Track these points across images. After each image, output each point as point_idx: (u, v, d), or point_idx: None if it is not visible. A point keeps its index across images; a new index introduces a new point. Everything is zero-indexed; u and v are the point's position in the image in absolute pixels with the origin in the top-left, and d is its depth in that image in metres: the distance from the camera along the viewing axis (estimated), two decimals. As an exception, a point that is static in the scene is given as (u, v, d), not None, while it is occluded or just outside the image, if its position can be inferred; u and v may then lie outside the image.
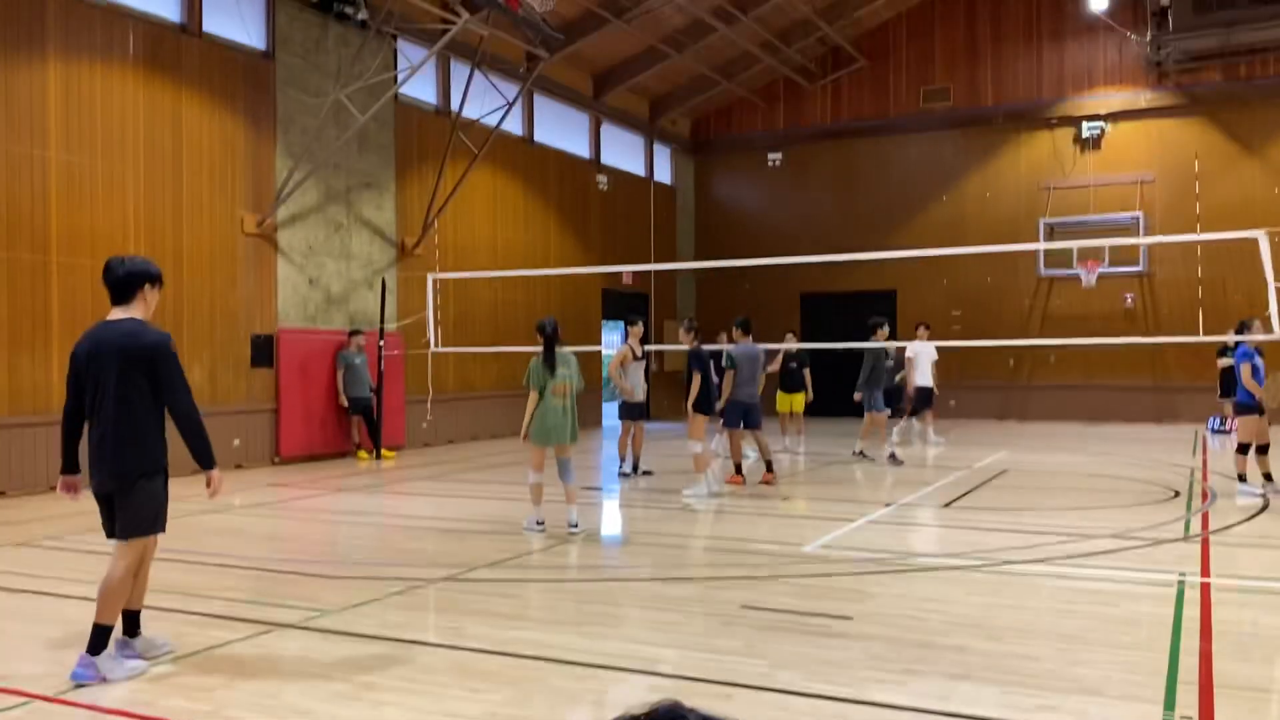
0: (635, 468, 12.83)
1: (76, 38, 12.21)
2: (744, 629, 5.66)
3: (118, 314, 5.12)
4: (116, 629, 5.05)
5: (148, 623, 5.42)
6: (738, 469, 12.23)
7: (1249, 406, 10.53)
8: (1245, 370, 10.42)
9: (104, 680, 4.82)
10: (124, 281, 5.12)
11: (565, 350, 8.84)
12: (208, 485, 5.14)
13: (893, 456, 13.97)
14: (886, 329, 14.36)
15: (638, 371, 12.73)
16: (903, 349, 16.78)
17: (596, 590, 6.86)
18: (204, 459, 5.08)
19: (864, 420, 14.56)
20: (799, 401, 15.71)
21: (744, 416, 11.85)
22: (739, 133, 25.92)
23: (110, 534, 5.15)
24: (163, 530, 5.21)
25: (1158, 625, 5.69)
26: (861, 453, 14.37)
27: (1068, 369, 21.99)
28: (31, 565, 7.64)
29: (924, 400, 16.45)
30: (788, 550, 7.96)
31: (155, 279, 5.21)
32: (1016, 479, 12.59)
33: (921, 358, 16.35)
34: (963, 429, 20.27)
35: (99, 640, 4.90)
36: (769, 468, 11.82)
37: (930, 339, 16.70)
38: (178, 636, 5.58)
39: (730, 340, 16.04)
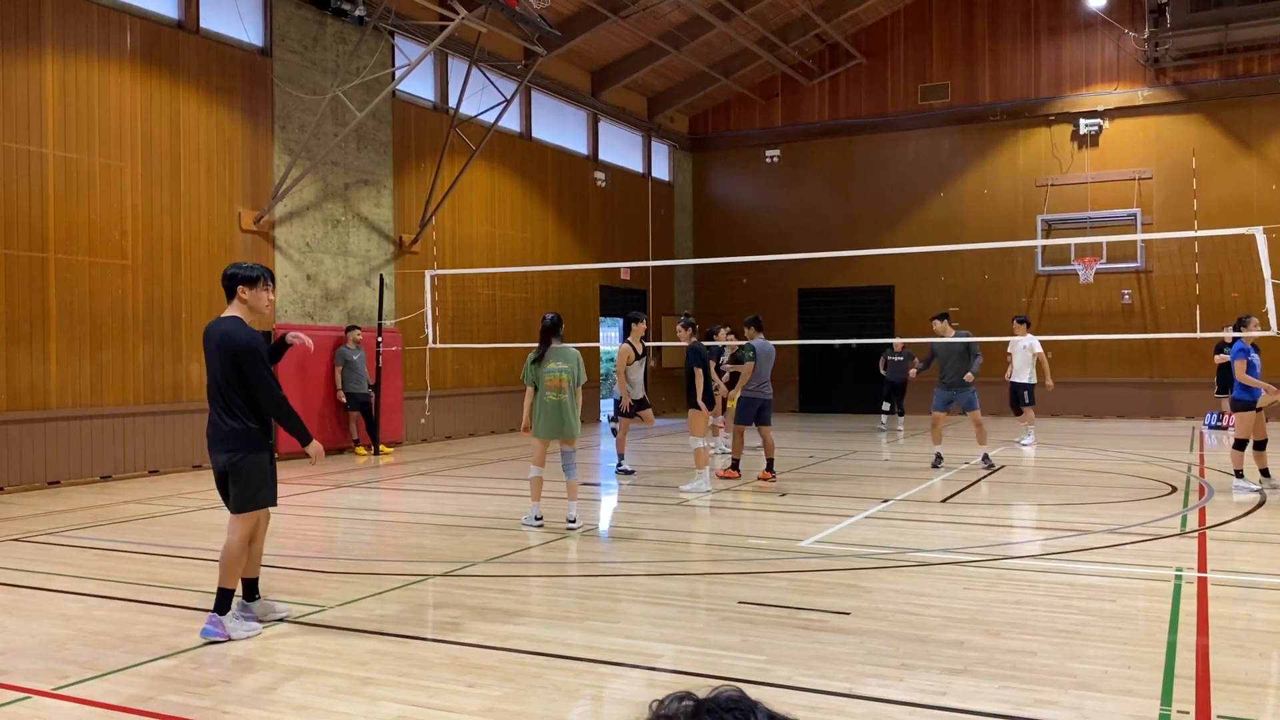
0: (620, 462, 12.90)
1: (74, 34, 12.20)
2: (741, 624, 5.67)
3: (225, 311, 5.73)
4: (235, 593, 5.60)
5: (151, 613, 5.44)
6: (735, 464, 12.24)
7: (1246, 402, 10.55)
8: (1240, 366, 10.44)
9: (229, 638, 5.39)
10: (224, 285, 5.76)
11: (566, 346, 8.83)
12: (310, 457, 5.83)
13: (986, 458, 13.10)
14: (942, 321, 13.31)
15: (638, 370, 12.68)
16: (905, 344, 16.63)
17: (594, 586, 6.87)
18: (299, 438, 5.69)
19: (974, 424, 13.28)
20: None
21: (758, 413, 11.90)
22: (737, 130, 25.91)
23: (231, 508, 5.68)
24: (273, 504, 5.73)
25: (1154, 620, 5.71)
26: (985, 457, 13.06)
27: (1065, 365, 21.98)
28: (29, 561, 7.63)
29: (1017, 397, 16.24)
30: (785, 545, 7.97)
31: (248, 280, 5.70)
32: (1014, 474, 12.60)
33: (1017, 353, 16.09)
34: (960, 425, 20.30)
35: (222, 602, 5.50)
36: (769, 466, 11.83)
37: (1028, 333, 16.21)
38: (176, 632, 5.59)
39: (700, 338, 15.64)
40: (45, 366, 11.81)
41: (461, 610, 6.07)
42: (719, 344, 14.52)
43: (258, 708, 4.43)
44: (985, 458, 13.09)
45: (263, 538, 5.83)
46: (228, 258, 13.98)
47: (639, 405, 12.63)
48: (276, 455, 15.06)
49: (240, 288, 5.64)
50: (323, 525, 9.60)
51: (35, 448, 11.68)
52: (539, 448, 8.87)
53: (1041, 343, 16.48)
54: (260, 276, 5.70)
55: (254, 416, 5.57)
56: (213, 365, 5.54)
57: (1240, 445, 10.78)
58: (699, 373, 11.31)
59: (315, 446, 5.73)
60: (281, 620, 5.77)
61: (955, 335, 13.26)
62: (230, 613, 5.50)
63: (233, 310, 5.66)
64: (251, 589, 5.76)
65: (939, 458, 13.11)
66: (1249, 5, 20.12)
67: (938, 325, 13.38)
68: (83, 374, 12.21)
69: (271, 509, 5.77)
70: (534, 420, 8.76)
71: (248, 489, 5.55)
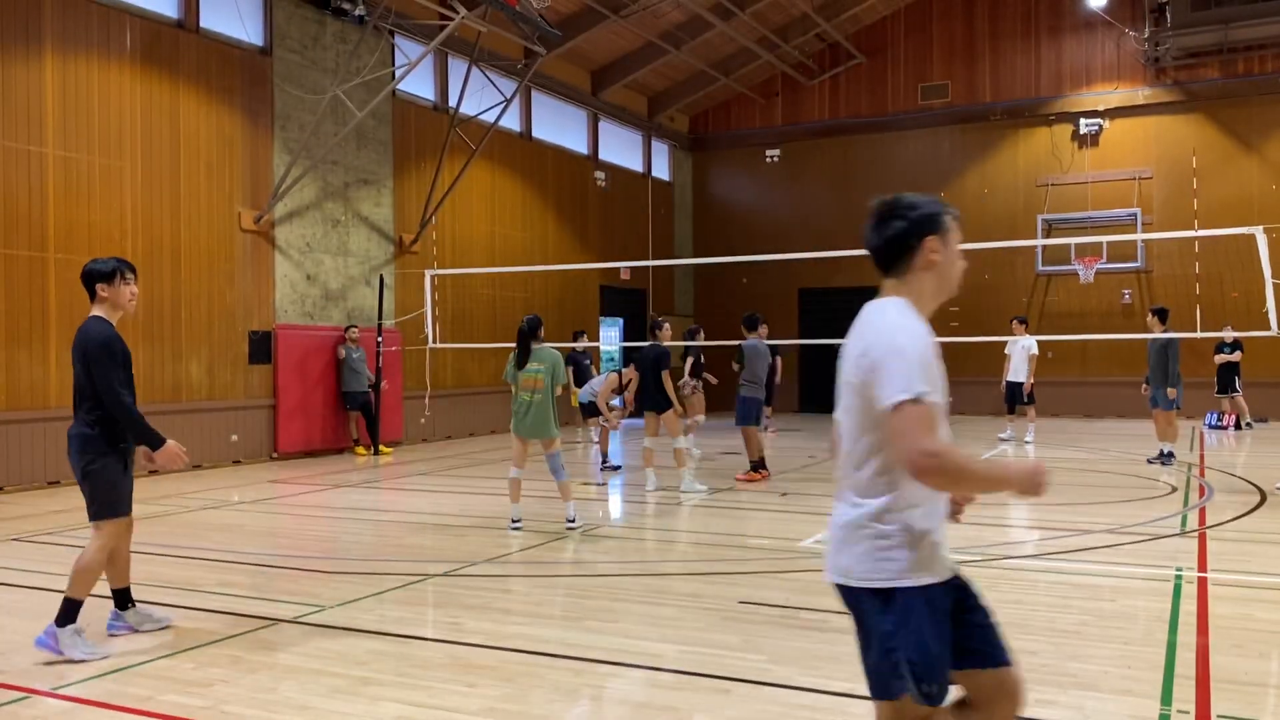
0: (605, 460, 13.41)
1: (74, 34, 12.20)
2: (741, 624, 5.67)
3: (90, 313, 5.39)
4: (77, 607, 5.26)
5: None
6: (758, 465, 12.10)
7: None
8: None
9: (61, 654, 5.07)
10: (84, 285, 5.37)
11: (544, 347, 8.81)
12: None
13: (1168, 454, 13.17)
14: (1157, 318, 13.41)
15: (613, 398, 13.72)
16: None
17: (594, 585, 6.87)
18: (148, 444, 5.30)
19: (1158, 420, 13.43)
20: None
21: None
22: (737, 129, 25.91)
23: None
24: (126, 514, 5.40)
25: (1154, 620, 5.70)
26: (1168, 454, 13.17)
27: (1065, 365, 21.99)
28: (29, 561, 7.63)
29: (1014, 397, 16.41)
30: (784, 546, 7.97)
31: (104, 276, 5.32)
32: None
33: (1015, 353, 16.39)
34: (960, 425, 20.31)
35: (65, 614, 5.15)
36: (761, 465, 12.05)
37: (1026, 333, 16.57)
38: (176, 632, 5.59)
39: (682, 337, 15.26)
40: (45, 366, 11.80)
41: (461, 610, 6.07)
42: (697, 344, 14.19)
43: (258, 708, 4.43)
44: (1164, 453, 13.21)
45: (127, 547, 5.58)
46: (228, 258, 13.99)
47: (589, 411, 13.42)
48: (276, 455, 14.99)
49: (99, 285, 5.28)
50: (323, 525, 9.60)
51: (35, 448, 11.68)
52: (518, 447, 8.87)
53: (1043, 343, 16.54)
54: (116, 270, 5.31)
55: (101, 420, 5.22)
56: (75, 368, 5.26)
57: None
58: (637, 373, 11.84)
59: (168, 449, 5.23)
60: (163, 628, 5.57)
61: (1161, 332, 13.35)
62: (71, 627, 5.13)
63: (96, 310, 5.32)
64: (124, 598, 5.58)
65: (1161, 454, 13.20)
66: (1249, 5, 20.12)
67: (1156, 320, 13.45)
68: (83, 374, 12.19)
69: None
70: (512, 417, 8.84)
71: (99, 496, 5.24)
